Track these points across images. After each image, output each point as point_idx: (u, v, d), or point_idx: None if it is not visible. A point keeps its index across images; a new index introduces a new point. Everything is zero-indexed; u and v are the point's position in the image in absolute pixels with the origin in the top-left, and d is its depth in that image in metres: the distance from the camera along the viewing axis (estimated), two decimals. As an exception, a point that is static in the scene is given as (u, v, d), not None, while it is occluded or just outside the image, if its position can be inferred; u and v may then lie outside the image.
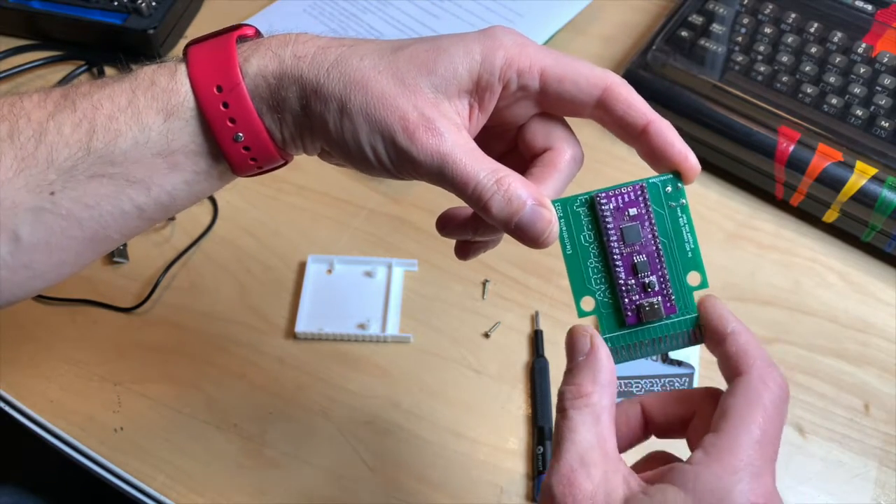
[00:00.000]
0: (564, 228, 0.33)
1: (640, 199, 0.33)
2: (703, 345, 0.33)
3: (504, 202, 0.31)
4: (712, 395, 0.33)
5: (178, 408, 0.52)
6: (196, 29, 0.74)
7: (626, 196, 0.33)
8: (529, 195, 0.31)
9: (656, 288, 0.32)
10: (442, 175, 0.32)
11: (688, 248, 0.33)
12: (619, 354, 0.33)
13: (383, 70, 0.32)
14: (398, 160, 0.32)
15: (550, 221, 0.32)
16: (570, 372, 0.32)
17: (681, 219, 0.33)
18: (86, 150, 0.33)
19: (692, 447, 0.32)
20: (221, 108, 0.33)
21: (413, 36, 0.67)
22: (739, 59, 0.62)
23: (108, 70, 0.71)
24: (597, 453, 0.30)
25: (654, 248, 0.32)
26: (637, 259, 0.32)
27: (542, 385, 0.52)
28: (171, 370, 0.54)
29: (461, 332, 0.56)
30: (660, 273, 0.32)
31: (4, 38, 0.73)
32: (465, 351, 0.55)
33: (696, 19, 0.64)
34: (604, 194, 0.33)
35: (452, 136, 0.32)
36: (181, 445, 0.51)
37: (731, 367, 0.32)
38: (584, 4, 0.69)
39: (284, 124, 0.34)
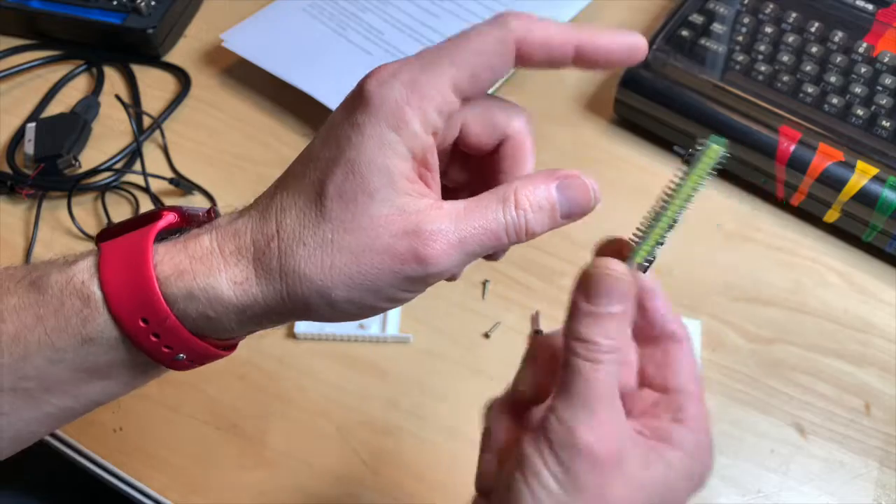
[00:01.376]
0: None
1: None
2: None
3: (541, 215, 0.29)
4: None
5: (177, 408, 0.52)
6: (195, 28, 0.74)
7: None
8: (545, 185, 0.29)
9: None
10: (471, 255, 0.29)
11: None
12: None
13: (334, 236, 0.28)
14: (423, 284, 0.29)
15: (583, 183, 0.29)
16: (603, 320, 0.28)
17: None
18: None
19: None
20: (152, 338, 0.29)
21: (415, 36, 0.68)
22: (740, 58, 0.62)
23: (107, 70, 0.71)
24: (621, 414, 0.28)
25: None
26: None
27: (542, 385, 0.52)
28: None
29: (461, 332, 0.55)
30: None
31: (3, 38, 0.73)
32: (465, 351, 0.55)
33: (697, 19, 0.64)
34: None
35: (445, 220, 0.28)
36: (181, 446, 0.51)
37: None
38: (584, 4, 0.69)
39: (240, 332, 0.31)
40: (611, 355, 0.28)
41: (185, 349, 0.30)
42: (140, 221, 0.30)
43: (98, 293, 0.29)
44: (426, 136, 0.28)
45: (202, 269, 0.29)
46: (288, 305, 0.29)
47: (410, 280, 0.28)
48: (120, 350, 0.30)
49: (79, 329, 0.29)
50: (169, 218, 0.30)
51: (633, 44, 0.30)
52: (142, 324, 0.29)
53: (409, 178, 0.28)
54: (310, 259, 0.28)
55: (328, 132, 0.29)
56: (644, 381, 0.32)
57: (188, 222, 0.31)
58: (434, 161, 0.30)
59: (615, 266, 0.29)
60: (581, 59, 0.29)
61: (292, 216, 0.29)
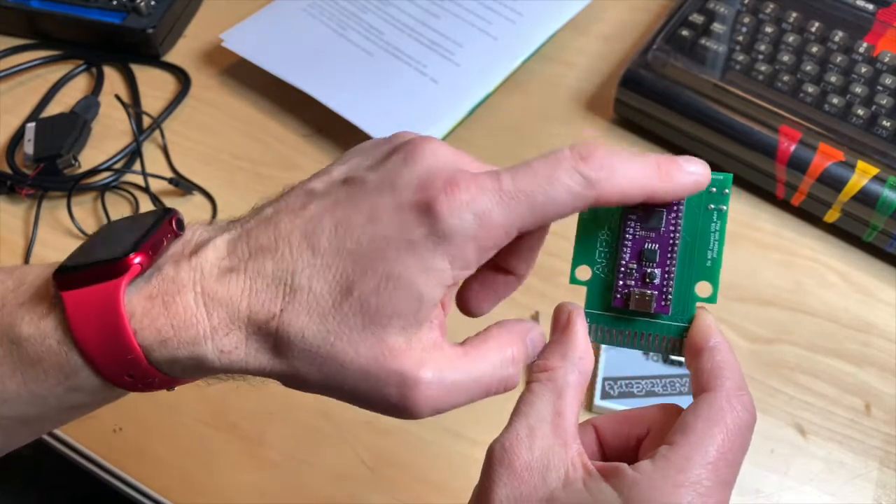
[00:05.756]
0: None
1: None
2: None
3: (520, 369, 0.30)
4: (668, 411, 0.31)
5: (177, 408, 0.52)
6: (195, 28, 0.74)
7: None
8: (523, 343, 0.30)
9: (656, 282, 0.31)
10: (452, 407, 0.28)
11: (709, 256, 0.31)
12: (596, 334, 0.32)
13: (335, 340, 0.27)
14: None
15: (541, 335, 0.31)
16: (545, 348, 0.31)
17: (714, 224, 0.31)
18: None
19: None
20: (140, 386, 0.28)
21: (415, 36, 0.68)
22: (740, 58, 0.62)
23: (107, 70, 0.71)
24: (547, 427, 0.28)
25: (672, 241, 0.31)
26: (648, 246, 0.31)
27: (542, 385, 0.52)
28: (171, 370, 0.54)
29: (461, 332, 0.55)
30: (666, 269, 0.31)
31: (3, 38, 0.73)
32: (465, 351, 0.54)
33: (697, 18, 0.64)
34: None
35: (443, 367, 0.27)
36: (180, 446, 0.51)
37: (701, 384, 0.29)
38: (585, 4, 0.69)
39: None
40: (538, 374, 0.30)
41: (175, 385, 0.30)
42: (103, 270, 0.27)
43: (77, 356, 0.27)
44: (475, 268, 0.28)
45: (186, 338, 0.27)
46: (269, 375, 0.29)
47: (380, 412, 0.28)
48: (108, 390, 0.29)
49: (61, 381, 0.28)
50: (135, 269, 0.27)
51: (697, 182, 0.29)
52: (128, 378, 0.28)
53: (436, 304, 0.28)
54: (304, 352, 0.27)
55: (374, 226, 0.27)
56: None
57: (156, 255, 0.28)
58: (461, 281, 0.29)
59: (562, 303, 0.32)
60: (649, 201, 0.29)
61: (302, 300, 0.27)
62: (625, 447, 0.32)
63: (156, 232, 0.28)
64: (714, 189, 0.31)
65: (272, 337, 0.27)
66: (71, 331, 0.27)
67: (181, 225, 0.30)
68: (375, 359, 0.27)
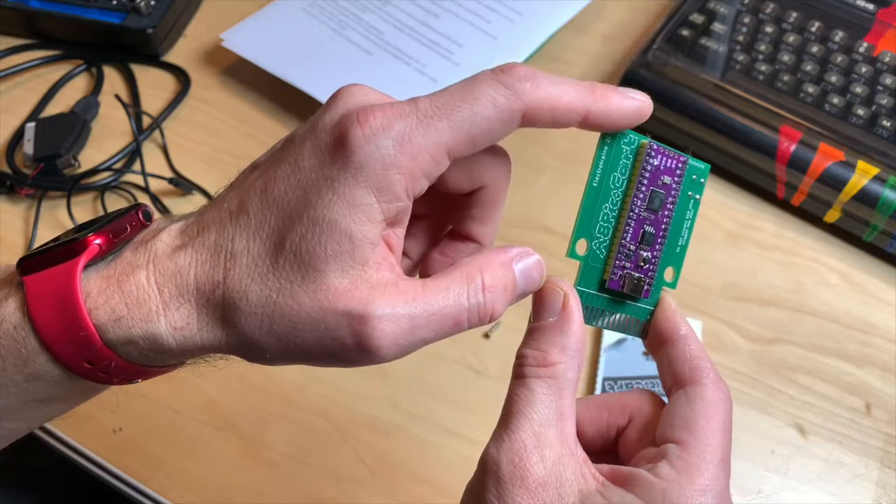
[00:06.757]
0: (604, 158, 0.29)
1: (678, 172, 0.30)
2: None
3: (504, 296, 0.28)
4: (649, 399, 0.30)
5: (176, 408, 0.52)
6: (195, 28, 0.74)
7: (671, 161, 0.30)
8: (508, 265, 0.28)
9: (646, 266, 0.31)
10: (421, 343, 0.26)
11: (679, 243, 0.31)
12: (583, 314, 0.30)
13: (278, 296, 0.26)
14: (360, 365, 0.27)
15: (537, 260, 0.29)
16: (536, 333, 0.29)
17: (689, 212, 0.31)
18: None
19: (627, 457, 0.30)
20: (101, 374, 0.27)
21: (415, 36, 0.68)
22: (740, 58, 0.62)
23: (107, 69, 0.71)
24: (553, 433, 0.27)
25: (664, 226, 0.31)
26: (647, 228, 0.30)
27: (542, 385, 0.52)
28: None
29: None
30: (656, 252, 0.31)
31: (3, 38, 0.73)
32: (465, 351, 0.54)
33: (697, 18, 0.64)
34: (656, 146, 0.30)
35: (399, 302, 0.25)
36: (180, 446, 0.51)
37: (682, 374, 0.29)
38: (585, 3, 0.69)
39: (186, 362, 0.29)
40: (536, 369, 0.28)
41: (137, 377, 0.29)
42: (63, 251, 0.27)
43: (34, 340, 0.27)
44: (406, 201, 0.26)
45: (140, 315, 0.26)
46: (226, 350, 0.27)
47: (348, 364, 0.27)
48: (69, 381, 0.28)
49: (20, 369, 0.27)
50: (93, 248, 0.27)
51: (639, 108, 0.28)
52: (87, 365, 0.27)
53: (372, 242, 0.26)
54: (250, 315, 0.26)
55: (296, 174, 0.26)
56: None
57: (118, 239, 0.28)
58: (405, 220, 0.27)
59: (553, 279, 0.29)
60: (587, 124, 0.28)
61: (242, 264, 0.26)
62: (603, 437, 0.31)
63: (119, 219, 0.28)
64: (695, 177, 0.31)
65: (220, 307, 0.26)
66: (29, 313, 0.27)
67: (148, 216, 0.30)
68: (320, 305, 0.25)
